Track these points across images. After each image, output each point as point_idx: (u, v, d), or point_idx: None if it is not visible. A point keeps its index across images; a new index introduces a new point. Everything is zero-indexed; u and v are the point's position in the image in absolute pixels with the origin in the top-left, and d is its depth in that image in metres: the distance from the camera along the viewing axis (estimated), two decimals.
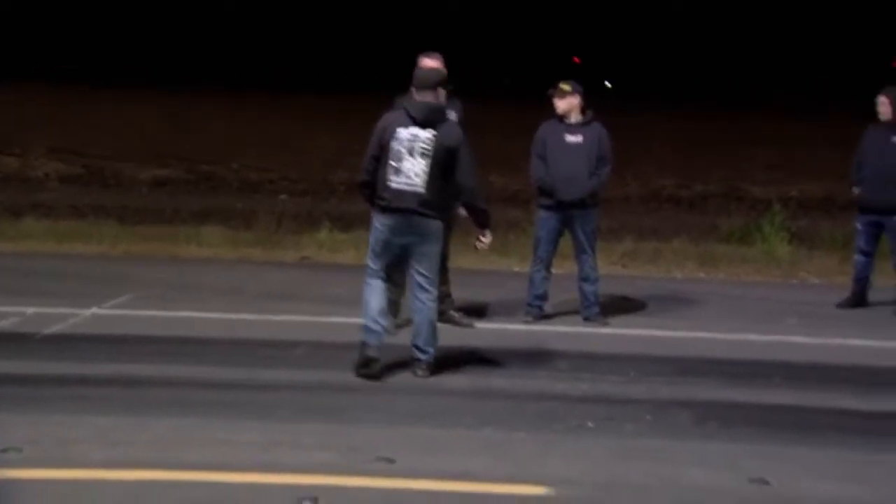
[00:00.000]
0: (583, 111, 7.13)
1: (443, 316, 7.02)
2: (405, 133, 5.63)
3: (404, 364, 5.87)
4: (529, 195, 15.23)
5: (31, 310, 6.92)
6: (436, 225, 5.72)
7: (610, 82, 37.94)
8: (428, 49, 6.92)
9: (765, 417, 5.35)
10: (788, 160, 20.16)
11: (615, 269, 9.25)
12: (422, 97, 5.72)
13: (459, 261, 9.46)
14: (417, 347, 5.81)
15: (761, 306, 8.01)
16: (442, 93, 5.86)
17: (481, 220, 5.91)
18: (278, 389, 5.55)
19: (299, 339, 6.51)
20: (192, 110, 25.93)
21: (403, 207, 5.65)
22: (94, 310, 7.09)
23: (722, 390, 5.79)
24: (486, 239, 5.95)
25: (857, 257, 7.95)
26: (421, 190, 5.61)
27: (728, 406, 5.50)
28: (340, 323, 6.90)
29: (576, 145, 7.06)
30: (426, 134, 5.61)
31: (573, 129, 7.10)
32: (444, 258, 7.02)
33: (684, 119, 25.88)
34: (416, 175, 5.61)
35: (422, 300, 5.79)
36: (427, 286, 5.80)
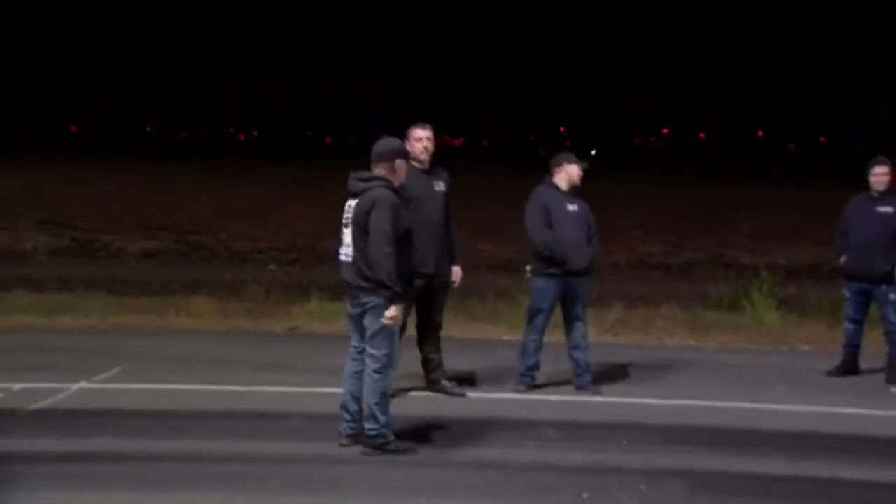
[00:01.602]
0: None
1: (435, 385, 7.03)
2: (346, 206, 5.72)
3: (398, 434, 5.83)
4: (519, 263, 15.32)
5: (17, 385, 6.86)
6: (373, 297, 5.52)
7: (595, 151, 38.40)
8: (418, 119, 7.04)
9: (758, 487, 5.31)
10: (773, 227, 20.36)
11: (606, 338, 9.25)
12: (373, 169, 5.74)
13: (450, 329, 9.49)
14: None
15: (752, 374, 8.01)
16: (394, 163, 5.70)
17: (385, 295, 5.49)
18: (269, 462, 5.49)
19: (290, 410, 6.47)
20: (179, 181, 26.04)
21: (344, 278, 5.71)
22: (83, 384, 7.04)
23: (715, 459, 5.76)
24: (389, 313, 5.50)
25: (847, 325, 7.98)
26: (350, 259, 5.65)
27: (721, 475, 5.46)
28: (332, 393, 6.83)
29: (576, 213, 7.16)
30: (353, 203, 5.67)
31: (570, 198, 7.21)
32: (436, 327, 7.05)
33: (670, 186, 26.16)
34: (348, 245, 5.67)
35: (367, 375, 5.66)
36: (371, 362, 5.62)
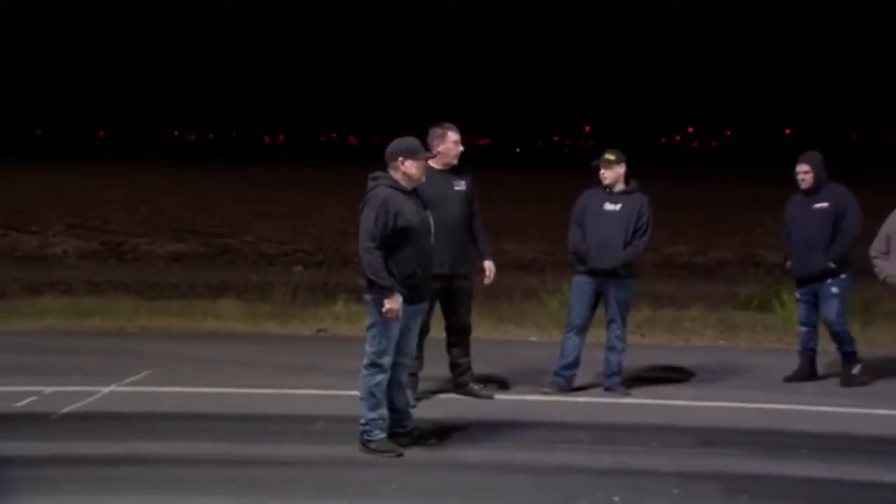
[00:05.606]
0: (626, 180, 7.17)
1: (464, 388, 7.00)
2: None
3: (424, 436, 5.81)
4: (543, 263, 15.25)
5: (49, 389, 6.90)
6: (367, 294, 5.63)
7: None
8: (439, 119, 6.97)
9: (794, 490, 5.25)
10: None
11: (634, 339, 9.14)
12: None
13: (477, 330, 9.44)
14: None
15: (783, 374, 7.90)
16: (397, 163, 5.67)
17: (374, 290, 5.56)
18: (298, 465, 5.49)
19: (318, 413, 6.47)
20: (205, 184, 26.18)
21: None
22: (113, 387, 7.07)
23: (748, 461, 5.69)
24: (385, 307, 5.53)
25: (800, 328, 7.64)
26: None
27: (756, 478, 5.40)
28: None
29: (613, 213, 7.07)
30: None
31: (614, 197, 7.13)
32: (466, 329, 7.00)
33: (695, 185, 25.96)
34: None
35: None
36: (364, 358, 5.71)
